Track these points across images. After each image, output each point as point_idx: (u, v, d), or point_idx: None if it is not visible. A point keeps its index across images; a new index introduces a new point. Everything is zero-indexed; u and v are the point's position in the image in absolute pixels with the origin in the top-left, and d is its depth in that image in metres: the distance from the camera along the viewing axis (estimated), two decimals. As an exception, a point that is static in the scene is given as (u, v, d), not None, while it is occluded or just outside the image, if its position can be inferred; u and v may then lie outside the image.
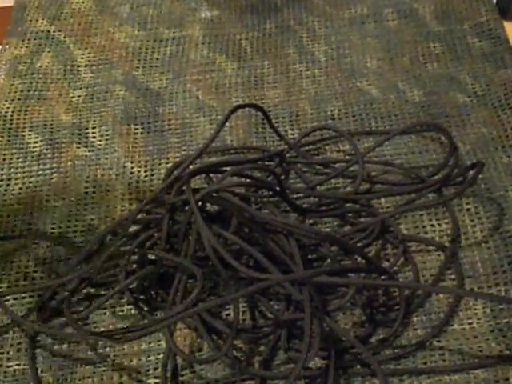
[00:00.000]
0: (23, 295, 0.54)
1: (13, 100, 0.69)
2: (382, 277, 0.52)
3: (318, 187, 0.59)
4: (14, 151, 0.64)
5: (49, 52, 0.73)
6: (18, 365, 0.50)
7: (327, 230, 0.56)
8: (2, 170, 0.63)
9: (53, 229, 0.58)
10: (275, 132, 0.62)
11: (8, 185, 0.62)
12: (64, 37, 0.75)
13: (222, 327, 0.49)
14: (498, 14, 0.72)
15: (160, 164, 0.62)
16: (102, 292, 0.53)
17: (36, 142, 0.65)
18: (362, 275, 0.52)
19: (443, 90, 0.66)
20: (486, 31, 0.71)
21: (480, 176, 0.56)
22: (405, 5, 0.75)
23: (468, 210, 0.57)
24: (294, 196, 0.58)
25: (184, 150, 0.63)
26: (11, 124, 0.66)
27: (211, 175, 0.59)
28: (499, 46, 0.69)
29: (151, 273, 0.51)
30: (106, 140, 0.65)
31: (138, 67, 0.71)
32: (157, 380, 0.49)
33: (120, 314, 0.52)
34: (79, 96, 0.69)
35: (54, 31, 0.75)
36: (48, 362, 0.50)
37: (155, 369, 0.49)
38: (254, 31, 0.74)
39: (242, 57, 0.72)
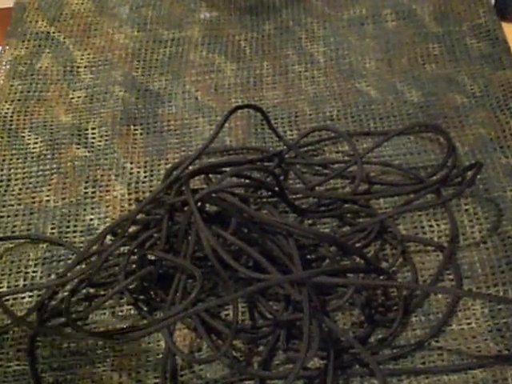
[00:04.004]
0: (23, 295, 0.54)
1: (13, 101, 0.69)
2: (381, 277, 0.52)
3: (316, 188, 0.59)
4: (13, 152, 0.64)
5: (48, 53, 0.73)
6: (18, 365, 0.50)
7: (326, 230, 0.56)
8: (2, 170, 0.63)
9: (53, 229, 0.58)
10: (274, 133, 0.62)
11: (8, 185, 0.62)
12: (64, 38, 0.75)
13: (222, 327, 0.49)
14: (497, 15, 0.72)
15: (159, 165, 0.62)
16: (102, 292, 0.54)
17: (36, 143, 0.65)
18: (361, 275, 0.52)
19: (442, 91, 0.66)
20: (484, 32, 0.71)
21: (478, 177, 0.56)
22: (403, 6, 0.75)
23: (466, 210, 0.57)
24: (293, 196, 0.58)
25: (183, 151, 0.63)
26: (11, 125, 0.67)
27: (210, 176, 0.59)
28: (497, 47, 0.69)
29: (151, 273, 0.51)
30: (106, 141, 0.65)
31: (137, 68, 0.71)
32: (157, 380, 0.49)
33: (120, 314, 0.53)
34: (79, 97, 0.69)
35: (53, 32, 0.76)
36: (48, 362, 0.50)
37: (155, 369, 0.49)
38: (253, 32, 0.74)
39: (241, 58, 0.72)
